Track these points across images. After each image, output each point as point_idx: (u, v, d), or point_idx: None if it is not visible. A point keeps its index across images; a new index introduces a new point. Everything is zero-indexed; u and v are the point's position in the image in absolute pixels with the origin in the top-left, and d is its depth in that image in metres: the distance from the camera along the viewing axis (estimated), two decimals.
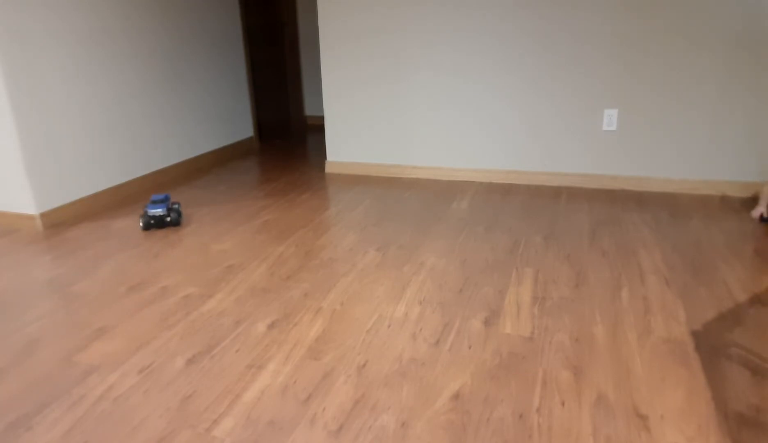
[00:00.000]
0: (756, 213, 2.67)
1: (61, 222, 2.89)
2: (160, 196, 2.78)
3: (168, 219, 2.74)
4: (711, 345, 1.64)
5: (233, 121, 4.44)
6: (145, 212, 2.71)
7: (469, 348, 1.67)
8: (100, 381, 1.55)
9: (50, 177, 2.84)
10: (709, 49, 2.92)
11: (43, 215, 2.80)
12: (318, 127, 5.66)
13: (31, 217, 2.79)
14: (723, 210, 2.84)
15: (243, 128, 4.58)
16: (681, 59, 2.98)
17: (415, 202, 3.13)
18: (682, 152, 3.13)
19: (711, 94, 2.99)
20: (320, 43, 3.60)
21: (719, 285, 2.02)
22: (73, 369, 1.62)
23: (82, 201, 3.04)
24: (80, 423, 1.39)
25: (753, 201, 2.95)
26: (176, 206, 2.81)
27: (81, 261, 2.40)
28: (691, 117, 3.06)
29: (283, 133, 5.36)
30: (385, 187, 3.43)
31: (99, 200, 3.15)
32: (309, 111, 5.89)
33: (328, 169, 3.87)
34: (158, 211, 2.71)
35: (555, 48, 3.16)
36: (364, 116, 3.67)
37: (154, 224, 2.73)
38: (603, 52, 3.09)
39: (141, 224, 2.72)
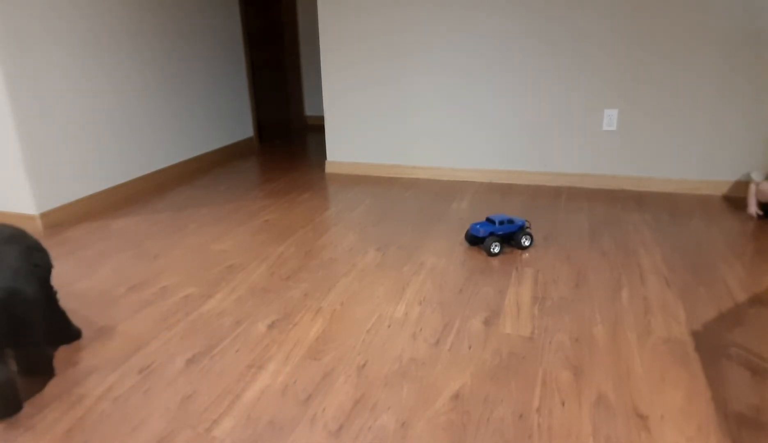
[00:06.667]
0: (752, 210, 2.70)
1: (61, 222, 2.89)
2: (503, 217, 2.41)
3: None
4: (711, 345, 1.63)
5: (233, 121, 4.44)
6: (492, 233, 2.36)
7: (469, 348, 1.67)
8: (100, 381, 1.55)
9: (50, 177, 2.84)
10: (709, 49, 2.92)
11: (43, 215, 2.80)
12: (318, 127, 5.66)
13: (31, 217, 2.79)
14: (723, 210, 2.84)
15: (243, 128, 4.58)
16: (681, 59, 2.98)
17: (415, 202, 3.13)
18: (682, 152, 3.13)
19: (711, 94, 2.99)
20: (320, 44, 3.60)
21: (719, 285, 2.02)
22: (73, 369, 1.62)
23: (82, 201, 3.04)
24: (80, 423, 1.39)
25: None
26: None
27: (81, 261, 2.40)
28: (691, 117, 3.06)
29: (283, 133, 5.36)
30: (385, 187, 3.43)
31: (99, 200, 3.16)
32: (309, 111, 5.89)
33: (328, 169, 3.87)
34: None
35: (555, 48, 3.16)
36: (365, 116, 3.67)
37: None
38: (603, 52, 3.09)
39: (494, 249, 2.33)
